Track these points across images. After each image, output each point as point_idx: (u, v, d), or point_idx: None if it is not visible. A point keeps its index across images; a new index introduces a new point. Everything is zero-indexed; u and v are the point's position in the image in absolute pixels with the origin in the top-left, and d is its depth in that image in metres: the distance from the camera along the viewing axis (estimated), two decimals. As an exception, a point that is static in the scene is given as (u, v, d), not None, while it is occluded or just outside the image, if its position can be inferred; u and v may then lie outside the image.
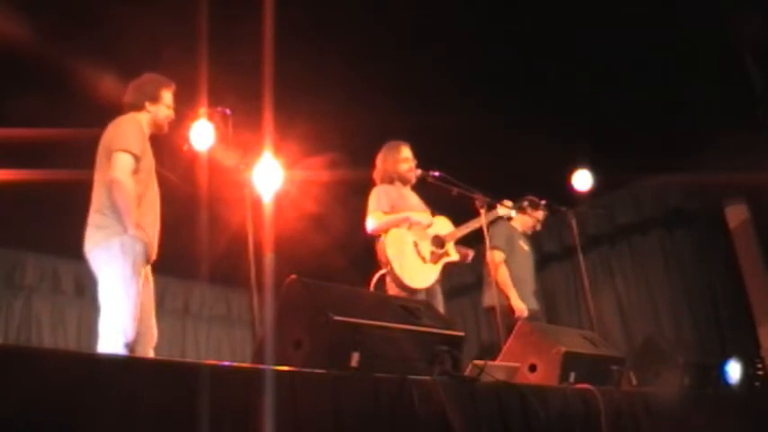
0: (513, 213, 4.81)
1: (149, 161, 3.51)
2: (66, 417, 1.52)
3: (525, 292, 5.15)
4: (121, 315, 3.22)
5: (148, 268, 3.49)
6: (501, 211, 4.74)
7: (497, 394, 2.61)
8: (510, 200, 5.19)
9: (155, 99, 3.55)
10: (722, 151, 5.14)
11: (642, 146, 5.75)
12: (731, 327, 6.38)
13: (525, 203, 5.24)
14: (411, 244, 4.37)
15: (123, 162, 3.31)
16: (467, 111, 5.42)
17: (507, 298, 4.94)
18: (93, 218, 3.34)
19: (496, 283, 4.73)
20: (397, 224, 4.37)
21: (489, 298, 4.93)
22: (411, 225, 4.41)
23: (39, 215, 5.81)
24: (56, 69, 4.34)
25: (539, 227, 5.44)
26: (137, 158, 3.35)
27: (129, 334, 3.21)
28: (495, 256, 5.03)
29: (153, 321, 3.48)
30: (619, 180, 6.61)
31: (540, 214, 5.34)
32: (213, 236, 5.07)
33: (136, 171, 3.36)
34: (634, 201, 7.25)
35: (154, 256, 3.51)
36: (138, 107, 3.54)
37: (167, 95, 3.60)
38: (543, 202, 5.07)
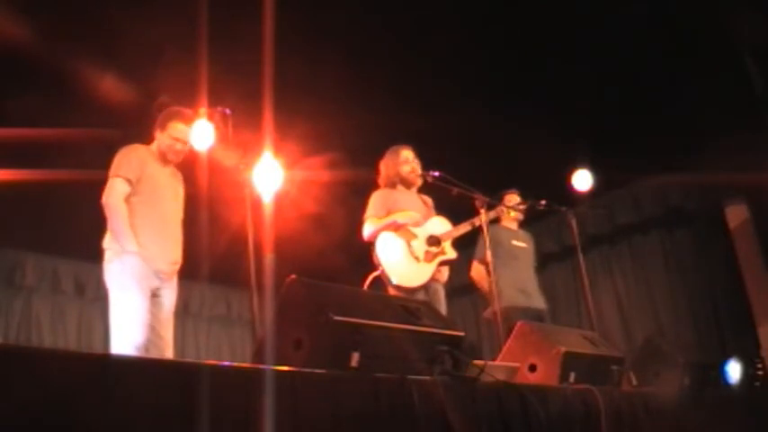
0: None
1: (155, 183, 3.68)
2: (67, 417, 1.52)
3: (529, 291, 5.15)
4: (125, 327, 3.41)
5: (166, 284, 3.65)
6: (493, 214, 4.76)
7: (497, 394, 2.61)
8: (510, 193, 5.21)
9: (162, 128, 3.78)
10: (722, 151, 5.14)
11: (642, 146, 5.75)
12: (731, 327, 6.38)
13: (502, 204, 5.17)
14: (403, 245, 4.40)
15: (113, 187, 3.57)
16: (467, 111, 5.43)
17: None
18: (105, 239, 3.59)
19: (486, 288, 4.80)
20: (386, 228, 4.40)
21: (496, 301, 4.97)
22: (398, 228, 4.43)
23: (39, 215, 5.81)
24: (56, 69, 4.34)
25: (520, 212, 5.28)
26: (130, 182, 3.58)
27: (138, 341, 3.39)
28: (475, 268, 5.07)
29: (168, 337, 3.65)
30: (619, 180, 6.60)
31: (514, 200, 5.23)
32: (213, 236, 5.06)
33: (134, 193, 3.59)
34: (634, 201, 7.25)
35: (167, 271, 3.65)
36: (152, 135, 3.81)
37: (175, 127, 3.77)
38: (543, 201, 5.06)
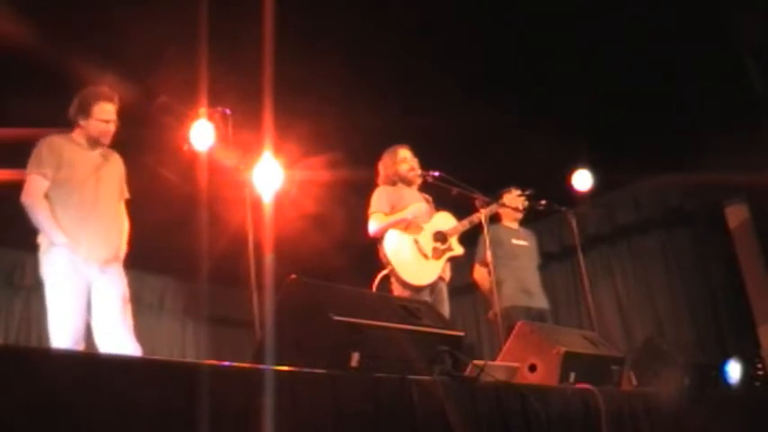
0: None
1: (79, 171, 3.60)
2: (66, 417, 1.52)
3: (531, 290, 5.14)
4: (58, 322, 3.39)
5: (106, 274, 3.55)
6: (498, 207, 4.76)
7: (497, 394, 2.61)
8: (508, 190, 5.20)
9: (86, 114, 3.66)
10: (722, 151, 5.13)
11: (642, 146, 5.75)
12: (731, 327, 6.38)
13: (503, 197, 5.16)
14: (411, 242, 4.39)
15: (30, 184, 3.54)
16: (467, 111, 5.42)
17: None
18: (40, 234, 3.56)
19: (488, 290, 4.74)
20: (395, 226, 4.38)
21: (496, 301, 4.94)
22: (409, 225, 4.42)
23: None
24: (56, 69, 4.34)
25: (519, 213, 5.24)
26: (47, 177, 3.52)
27: (71, 336, 3.36)
28: (477, 271, 5.06)
29: (118, 331, 3.53)
30: (619, 180, 6.60)
31: (515, 198, 5.16)
32: (213, 236, 5.06)
33: (55, 186, 3.53)
34: (634, 201, 7.24)
35: (102, 258, 3.56)
36: (74, 122, 3.69)
37: (101, 109, 3.66)
38: (543, 201, 5.06)
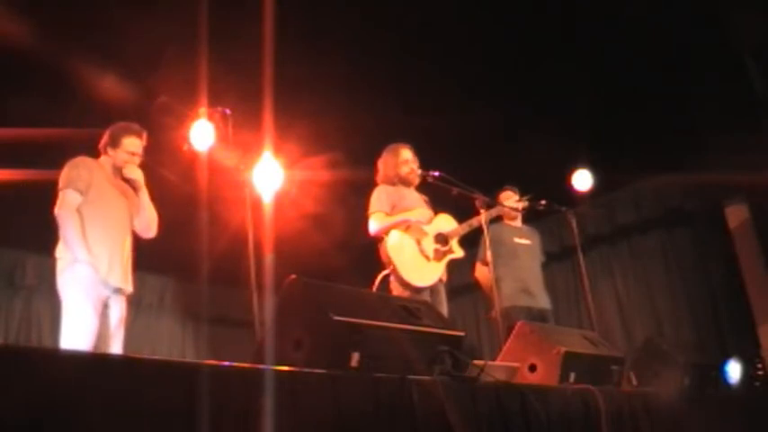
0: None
1: (104, 194, 3.73)
2: (66, 417, 1.52)
3: (532, 290, 5.14)
4: (75, 337, 3.50)
5: (115, 297, 3.68)
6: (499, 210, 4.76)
7: (497, 394, 2.61)
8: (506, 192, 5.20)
9: (115, 145, 3.84)
10: (722, 151, 5.13)
11: (642, 146, 5.75)
12: (731, 327, 6.38)
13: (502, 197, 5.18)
14: (413, 243, 4.39)
15: (64, 199, 3.64)
16: (467, 110, 5.42)
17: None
18: (57, 248, 3.65)
19: (490, 289, 4.74)
20: (397, 226, 4.39)
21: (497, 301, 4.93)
22: (409, 227, 4.42)
23: (39, 215, 5.79)
24: (56, 69, 4.34)
25: (518, 212, 5.26)
26: (81, 193, 3.65)
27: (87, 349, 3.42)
28: (479, 270, 5.05)
29: (115, 351, 3.65)
30: (619, 180, 6.60)
31: (511, 197, 5.19)
32: (213, 236, 5.06)
33: (84, 203, 3.65)
34: (634, 201, 7.24)
35: (116, 279, 3.67)
36: (103, 151, 3.88)
37: (129, 142, 3.85)
38: (543, 201, 5.06)
